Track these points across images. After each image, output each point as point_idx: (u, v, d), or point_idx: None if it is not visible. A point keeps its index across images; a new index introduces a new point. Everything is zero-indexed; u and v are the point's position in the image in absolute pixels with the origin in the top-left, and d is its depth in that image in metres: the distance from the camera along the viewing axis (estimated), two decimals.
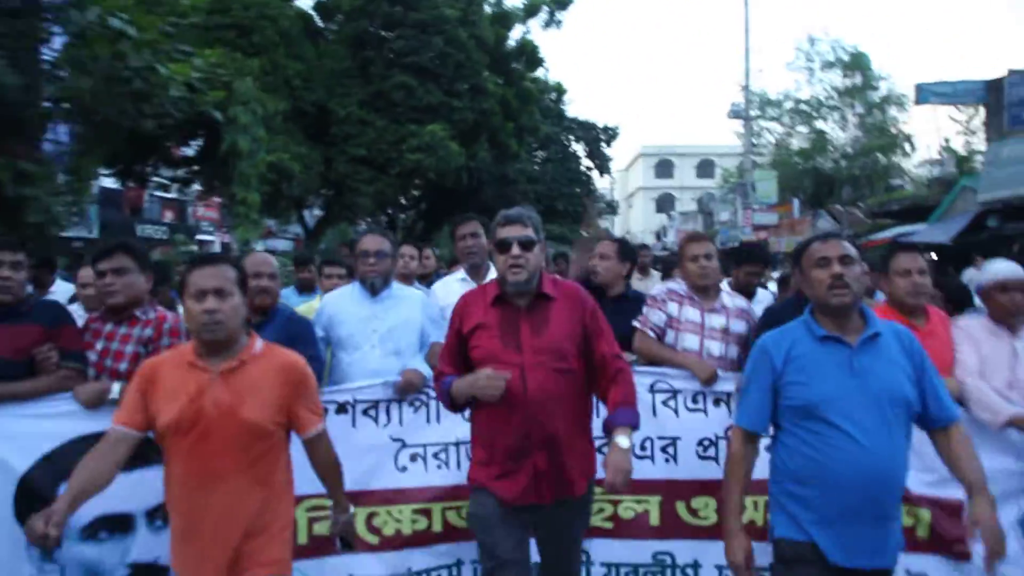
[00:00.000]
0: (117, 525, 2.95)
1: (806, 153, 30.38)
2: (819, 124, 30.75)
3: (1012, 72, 18.78)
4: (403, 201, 22.85)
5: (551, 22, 20.28)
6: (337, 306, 3.67)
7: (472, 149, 18.99)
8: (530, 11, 20.04)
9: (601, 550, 3.39)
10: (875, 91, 30.92)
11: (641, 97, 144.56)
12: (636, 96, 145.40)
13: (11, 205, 7.72)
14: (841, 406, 2.30)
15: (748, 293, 4.48)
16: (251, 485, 2.36)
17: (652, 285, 5.73)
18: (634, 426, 2.70)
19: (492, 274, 3.65)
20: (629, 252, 4.21)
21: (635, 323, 3.67)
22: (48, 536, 2.16)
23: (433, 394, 3.30)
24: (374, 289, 3.62)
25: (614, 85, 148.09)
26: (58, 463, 2.88)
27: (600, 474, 2.72)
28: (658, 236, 49.97)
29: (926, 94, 19.96)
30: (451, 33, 16.42)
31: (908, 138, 29.42)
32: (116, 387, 2.96)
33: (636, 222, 61.06)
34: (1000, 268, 3.42)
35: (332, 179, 16.97)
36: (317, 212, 20.65)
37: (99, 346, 3.11)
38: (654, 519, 3.42)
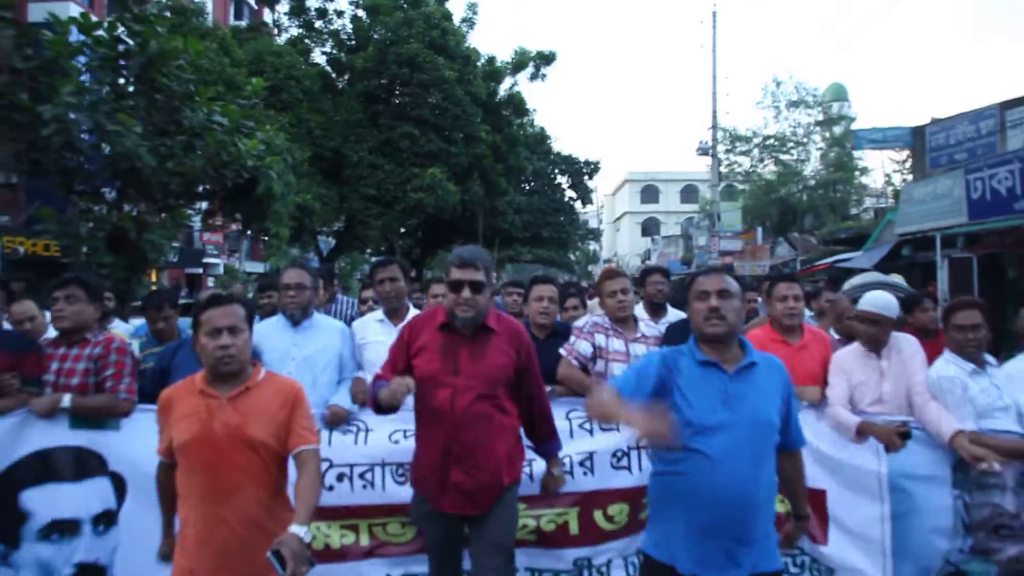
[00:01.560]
0: (66, 529, 3.27)
1: (772, 185, 33.54)
2: (785, 157, 34.05)
3: (933, 120, 21.95)
4: (402, 230, 25.94)
5: (537, 75, 23.61)
6: (260, 334, 3.85)
7: (466, 186, 22.12)
8: (518, 66, 23.35)
9: (525, 559, 3.57)
10: (836, 127, 34.24)
11: (628, 128, 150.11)
12: (623, 128, 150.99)
13: (132, 245, 10.72)
14: (709, 428, 2.45)
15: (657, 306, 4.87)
16: (257, 500, 2.59)
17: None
18: (559, 449, 3.28)
19: (411, 314, 4.03)
20: (567, 294, 4.94)
21: (561, 351, 3.99)
22: (174, 550, 2.66)
23: (363, 426, 3.70)
24: (294, 319, 3.93)
25: (603, 119, 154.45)
26: (15, 474, 3.27)
27: (529, 488, 3.26)
28: (643, 259, 53.13)
29: (860, 140, 23.22)
30: (449, 91, 19.67)
31: (864, 171, 32.71)
32: (67, 397, 3.36)
33: (623, 245, 64.18)
34: (871, 300, 3.83)
35: (346, 214, 20.07)
36: (331, 240, 23.70)
37: (54, 366, 3.49)
38: (573, 529, 3.68)
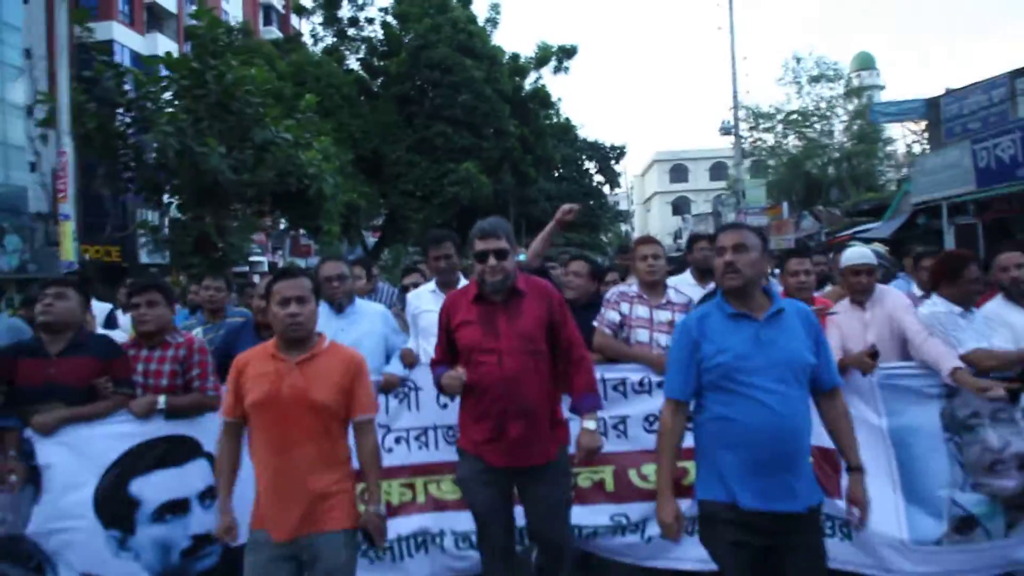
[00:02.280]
0: (177, 508, 3.56)
1: (797, 160, 34.30)
2: (809, 132, 34.76)
3: (948, 91, 22.68)
4: (439, 222, 27.56)
5: (559, 68, 24.97)
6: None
7: (498, 177, 23.61)
8: (541, 61, 24.74)
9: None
10: (859, 99, 34.85)
11: (654, 110, 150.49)
12: (649, 109, 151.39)
13: (215, 247, 12.49)
14: (749, 372, 2.63)
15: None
16: (320, 454, 2.83)
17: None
18: (597, 408, 3.25)
19: (461, 284, 4.26)
20: (598, 273, 4.91)
21: (594, 323, 4.13)
22: (230, 528, 2.88)
23: (412, 386, 3.95)
24: (340, 307, 4.15)
25: (629, 103, 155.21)
26: (123, 467, 3.52)
27: (572, 449, 3.26)
28: (674, 237, 53.99)
29: (875, 114, 24.11)
30: (478, 89, 21.19)
31: (888, 142, 33.30)
32: (161, 399, 3.59)
33: (653, 225, 64.59)
34: (849, 254, 4.12)
35: (387, 209, 21.75)
36: (374, 236, 25.45)
37: (140, 368, 3.70)
38: (609, 486, 3.86)
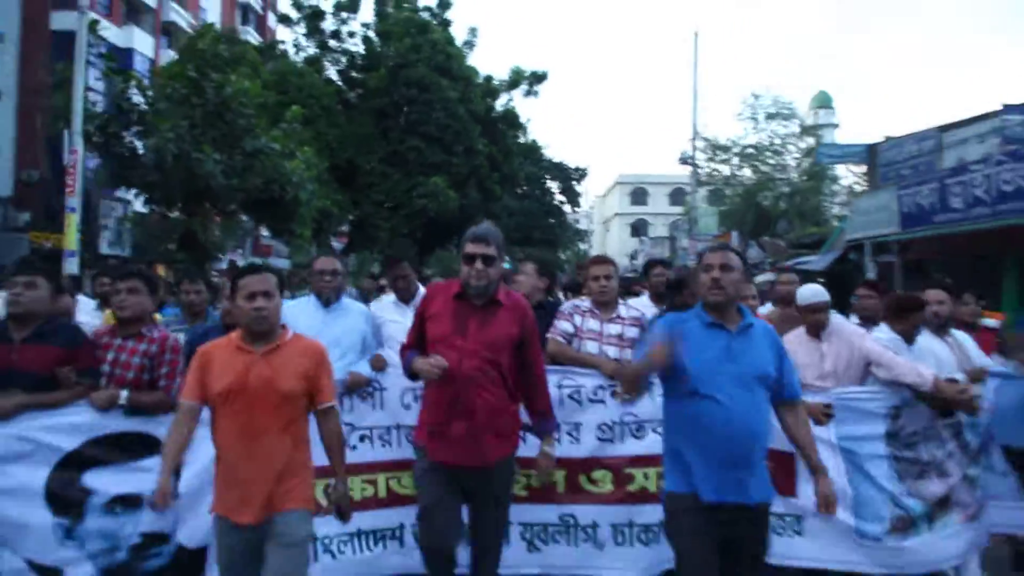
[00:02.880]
0: (129, 503, 3.57)
1: (749, 192, 36.30)
2: (762, 166, 36.80)
3: (886, 138, 24.74)
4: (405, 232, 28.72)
5: (530, 92, 26.47)
6: (292, 313, 4.04)
7: (464, 192, 24.88)
8: (513, 84, 26.19)
9: (516, 513, 3.85)
10: (810, 138, 37.08)
11: (619, 134, 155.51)
12: (614, 133, 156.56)
13: (199, 244, 13.48)
14: (716, 378, 2.95)
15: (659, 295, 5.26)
16: (284, 440, 3.03)
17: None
18: (555, 430, 3.58)
19: (419, 295, 4.51)
20: (546, 270, 5.12)
21: (548, 334, 4.23)
22: (166, 499, 2.95)
23: (378, 386, 4.07)
24: (327, 301, 4.27)
25: (594, 126, 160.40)
26: (79, 458, 3.55)
27: (521, 450, 3.58)
28: (631, 258, 55.81)
29: (820, 155, 26.12)
30: (452, 109, 22.49)
31: (835, 180, 35.51)
32: (124, 394, 3.60)
33: (612, 246, 66.40)
34: (805, 294, 4.48)
35: (357, 217, 22.83)
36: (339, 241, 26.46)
37: (110, 357, 3.70)
38: (560, 487, 4.06)
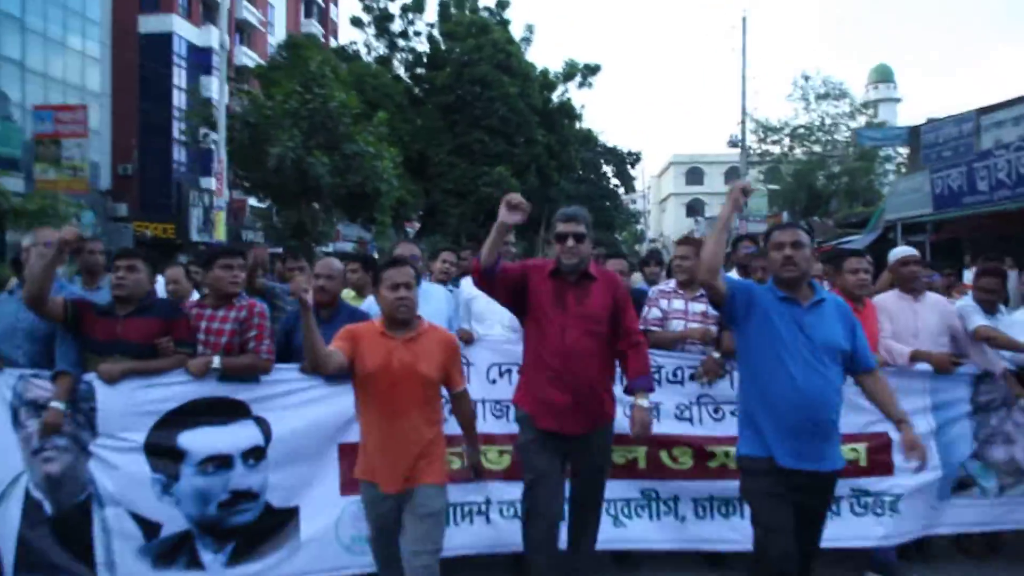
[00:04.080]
0: (221, 462, 3.87)
1: (801, 172, 37.53)
2: (814, 147, 37.89)
3: (929, 120, 25.87)
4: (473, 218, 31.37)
5: (584, 83, 28.70)
6: (375, 308, 4.19)
7: (525, 179, 27.25)
8: (568, 76, 28.46)
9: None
10: (862, 118, 38.06)
11: (673, 114, 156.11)
12: (669, 114, 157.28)
13: (308, 232, 16.31)
14: (789, 350, 3.12)
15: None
16: (422, 420, 3.31)
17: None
18: (650, 389, 3.64)
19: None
20: (634, 268, 5.47)
21: (639, 326, 4.20)
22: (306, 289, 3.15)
23: (466, 361, 4.15)
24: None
25: (649, 108, 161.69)
26: (175, 420, 3.87)
27: (622, 427, 3.74)
28: None
29: (862, 138, 27.50)
30: (512, 103, 24.91)
31: (887, 160, 36.45)
32: (216, 359, 3.90)
33: (668, 226, 67.43)
34: (897, 250, 4.89)
35: (428, 205, 25.57)
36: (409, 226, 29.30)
37: (203, 325, 4.05)
38: (641, 464, 4.27)
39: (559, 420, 3.53)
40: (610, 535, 4.15)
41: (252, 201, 18.34)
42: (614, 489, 4.09)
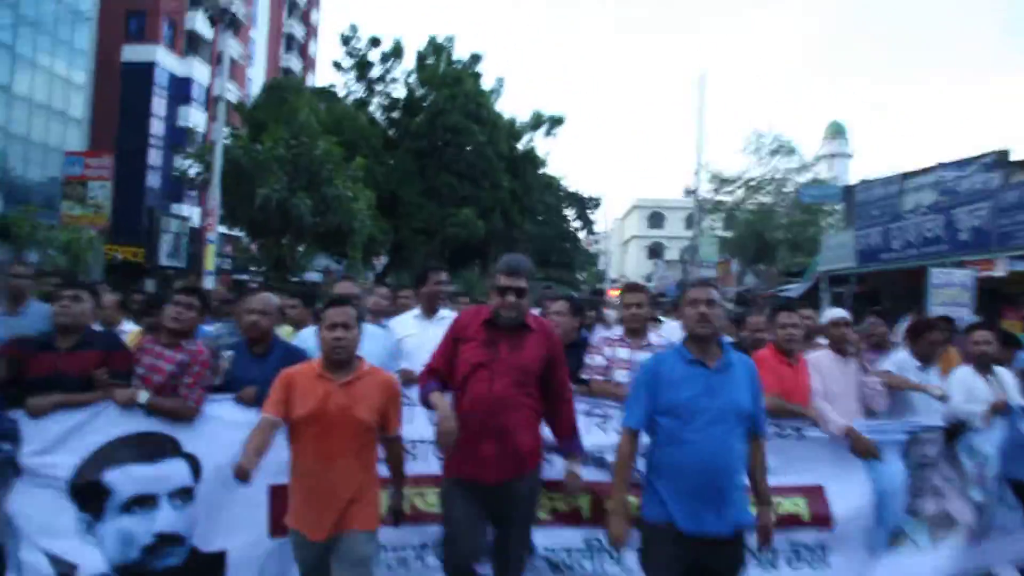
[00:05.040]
0: (146, 503, 3.73)
1: (751, 223, 40.09)
2: (764, 199, 40.56)
3: (862, 181, 28.54)
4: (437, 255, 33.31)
5: (549, 133, 31.13)
6: (308, 341, 4.43)
7: (489, 220, 29.33)
8: (534, 125, 30.84)
9: (541, 537, 4.09)
10: (808, 174, 40.92)
11: (637, 160, 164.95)
12: (633, 159, 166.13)
13: (287, 265, 18.03)
14: (696, 412, 3.17)
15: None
16: (356, 465, 3.29)
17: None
18: (581, 451, 3.77)
19: (442, 311, 4.92)
20: (578, 310, 5.26)
21: (583, 375, 4.55)
22: (247, 472, 3.03)
23: (407, 400, 4.01)
24: None
25: (614, 154, 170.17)
26: (103, 455, 3.76)
27: (547, 473, 3.81)
28: (647, 279, 59.55)
29: (803, 195, 30.14)
30: (480, 150, 27.11)
31: (829, 214, 39.21)
32: (143, 394, 3.82)
33: (629, 267, 70.05)
34: (831, 312, 5.07)
35: (397, 241, 27.45)
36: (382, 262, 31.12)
37: (146, 361, 3.99)
38: (586, 513, 4.24)
39: (480, 469, 3.52)
40: None
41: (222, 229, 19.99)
42: (556, 537, 4.19)
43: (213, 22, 16.23)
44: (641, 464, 3.47)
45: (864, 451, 4.47)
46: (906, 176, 24.86)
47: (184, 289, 4.29)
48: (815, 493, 4.46)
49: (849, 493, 4.48)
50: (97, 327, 4.59)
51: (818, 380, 4.66)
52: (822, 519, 4.43)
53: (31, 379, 3.81)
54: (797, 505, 4.41)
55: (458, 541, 3.59)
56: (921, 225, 19.11)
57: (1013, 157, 20.80)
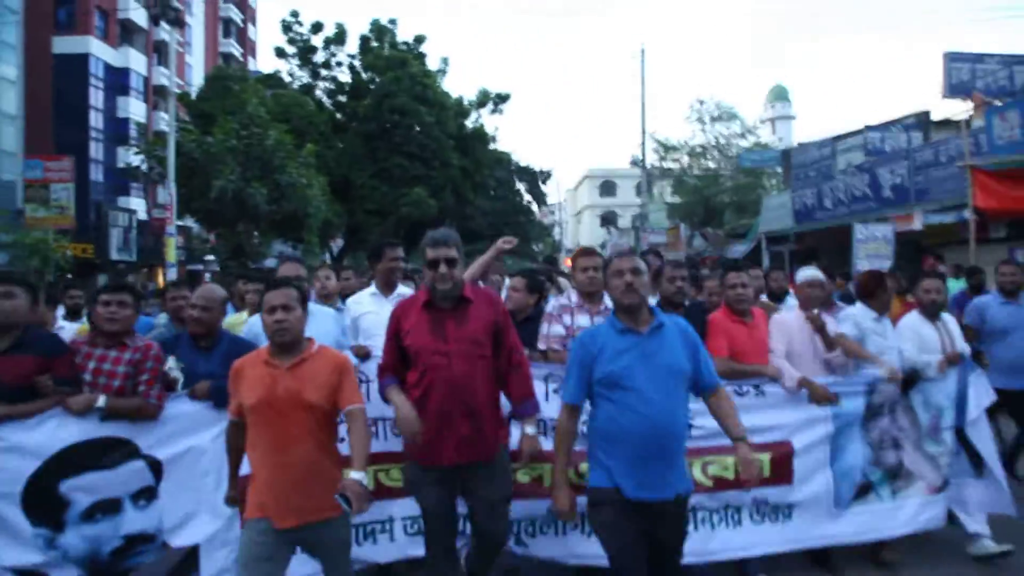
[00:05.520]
0: (109, 508, 3.67)
1: (698, 189, 41.43)
2: (709, 164, 41.97)
3: (800, 144, 29.98)
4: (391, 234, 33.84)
5: (495, 110, 31.78)
6: (255, 323, 4.36)
7: (441, 198, 29.99)
8: (481, 103, 31.47)
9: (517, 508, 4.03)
10: (753, 137, 42.41)
11: (587, 131, 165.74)
12: (584, 131, 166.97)
13: (245, 252, 18.54)
14: (632, 379, 3.19)
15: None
16: (316, 448, 3.24)
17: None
18: (537, 412, 3.73)
19: (399, 288, 4.89)
20: (536, 286, 5.28)
21: (540, 346, 4.55)
22: (235, 500, 3.33)
23: (364, 378, 4.03)
24: None
25: (564, 126, 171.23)
26: (55, 467, 3.61)
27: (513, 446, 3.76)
28: (600, 247, 60.48)
29: (743, 159, 31.48)
30: (428, 130, 27.68)
31: (771, 177, 40.74)
32: (102, 398, 3.69)
33: (584, 236, 69.91)
34: (803, 273, 5.08)
35: (351, 224, 27.97)
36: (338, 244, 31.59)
37: (91, 366, 3.80)
38: (547, 482, 4.15)
39: (455, 452, 3.51)
40: (509, 553, 4.23)
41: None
42: (519, 509, 4.12)
43: (155, 20, 16.45)
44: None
45: (822, 398, 4.57)
46: (837, 139, 26.37)
47: (111, 287, 4.04)
48: (779, 448, 4.52)
49: (813, 447, 4.58)
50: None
51: (780, 340, 4.73)
52: (785, 474, 4.52)
53: None
54: (759, 462, 4.23)
55: (437, 527, 3.63)
56: (850, 184, 20.40)
57: (934, 118, 22.31)
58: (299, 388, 3.21)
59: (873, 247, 12.74)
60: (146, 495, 3.78)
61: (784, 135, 57.10)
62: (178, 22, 15.64)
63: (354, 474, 3.13)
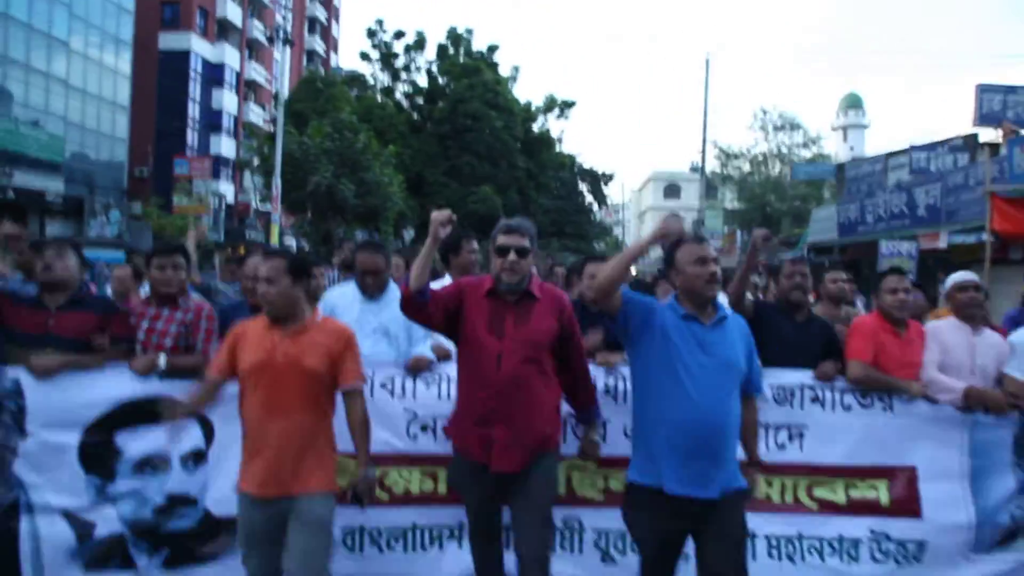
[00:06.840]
0: (158, 465, 3.79)
1: (756, 195, 42.69)
2: (772, 172, 43.03)
3: (854, 159, 31.14)
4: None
5: (561, 115, 34.30)
6: (332, 303, 4.33)
7: (506, 196, 32.61)
8: (548, 108, 34.03)
9: (591, 518, 3.93)
10: (814, 147, 43.48)
11: (656, 133, 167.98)
12: (651, 132, 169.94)
13: (333, 239, 21.44)
14: (687, 366, 3.08)
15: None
16: (306, 418, 3.21)
17: None
18: (600, 419, 3.66)
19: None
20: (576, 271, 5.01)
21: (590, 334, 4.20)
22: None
23: (443, 374, 3.94)
24: (371, 296, 4.30)
25: (635, 127, 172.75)
26: (112, 419, 3.77)
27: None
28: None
29: (796, 171, 32.95)
30: (497, 134, 30.40)
31: (832, 187, 41.65)
32: (163, 357, 3.84)
33: None
34: (957, 275, 4.50)
35: (424, 219, 30.78)
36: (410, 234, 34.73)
37: (144, 326, 3.98)
38: (616, 488, 3.85)
39: (499, 459, 3.31)
40: (597, 570, 3.99)
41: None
42: (607, 519, 3.86)
43: (270, 41, 19.31)
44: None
45: (995, 405, 4.03)
46: (890, 155, 27.70)
47: (163, 250, 4.19)
48: (901, 474, 4.06)
49: (947, 476, 4.06)
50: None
51: (935, 351, 4.23)
52: (910, 504, 4.05)
53: (19, 334, 3.74)
54: (875, 489, 4.05)
55: (481, 539, 3.56)
56: (889, 201, 22.01)
57: (982, 140, 23.57)
58: (298, 354, 3.19)
59: (897, 262, 14.39)
60: (195, 457, 3.85)
61: (856, 144, 57.37)
62: (289, 42, 18.54)
63: (363, 470, 3.21)
